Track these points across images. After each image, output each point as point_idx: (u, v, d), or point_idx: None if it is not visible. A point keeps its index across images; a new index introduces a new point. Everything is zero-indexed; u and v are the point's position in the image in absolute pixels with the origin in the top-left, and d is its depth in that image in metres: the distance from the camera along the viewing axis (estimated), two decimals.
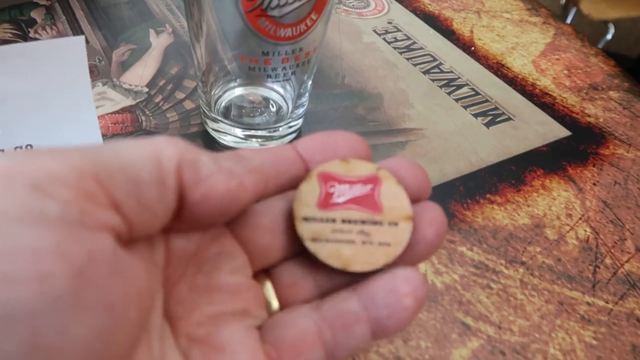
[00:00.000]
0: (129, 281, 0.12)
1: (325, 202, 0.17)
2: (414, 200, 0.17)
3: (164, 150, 0.14)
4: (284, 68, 0.27)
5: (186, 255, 0.16)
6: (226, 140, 0.31)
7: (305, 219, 0.16)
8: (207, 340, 0.15)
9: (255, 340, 0.15)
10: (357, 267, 0.16)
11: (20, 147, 0.30)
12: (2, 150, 0.29)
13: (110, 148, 0.13)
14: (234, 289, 0.16)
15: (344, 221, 0.16)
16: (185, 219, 0.14)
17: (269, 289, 0.17)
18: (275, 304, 0.17)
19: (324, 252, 0.16)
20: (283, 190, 0.17)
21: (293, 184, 0.17)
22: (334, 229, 0.16)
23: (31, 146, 0.30)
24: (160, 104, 0.34)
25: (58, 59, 0.36)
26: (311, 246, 0.16)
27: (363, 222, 0.16)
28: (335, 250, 0.16)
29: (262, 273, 0.17)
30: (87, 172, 0.12)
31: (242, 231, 0.17)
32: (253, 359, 0.14)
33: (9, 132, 0.31)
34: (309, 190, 0.17)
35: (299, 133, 0.33)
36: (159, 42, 0.39)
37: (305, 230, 0.16)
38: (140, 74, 0.36)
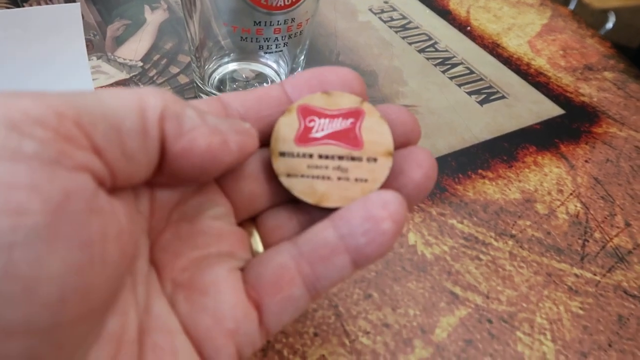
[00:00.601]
0: (108, 221, 0.12)
1: (304, 136, 0.16)
2: (403, 144, 0.17)
3: (148, 100, 0.13)
4: (276, 39, 0.27)
5: (170, 205, 0.16)
6: None
7: (282, 154, 0.16)
8: (190, 284, 0.15)
9: (238, 280, 0.15)
10: (331, 202, 0.15)
11: None
12: None
13: (93, 95, 0.13)
14: (217, 232, 0.16)
15: (320, 156, 0.16)
16: (167, 173, 0.14)
17: (255, 235, 0.17)
18: (261, 249, 0.17)
19: (298, 187, 0.16)
20: (267, 132, 0.17)
21: None
22: (310, 165, 0.16)
23: None
24: (155, 78, 0.34)
25: (53, 26, 0.36)
26: (286, 181, 0.16)
27: (340, 157, 0.16)
28: (310, 186, 0.16)
29: (249, 221, 0.17)
30: (67, 115, 0.11)
31: (227, 180, 0.16)
32: (235, 300, 0.15)
33: None
34: (288, 124, 0.16)
35: None
36: (153, 18, 0.39)
37: (280, 165, 0.16)
38: (134, 49, 0.36)
